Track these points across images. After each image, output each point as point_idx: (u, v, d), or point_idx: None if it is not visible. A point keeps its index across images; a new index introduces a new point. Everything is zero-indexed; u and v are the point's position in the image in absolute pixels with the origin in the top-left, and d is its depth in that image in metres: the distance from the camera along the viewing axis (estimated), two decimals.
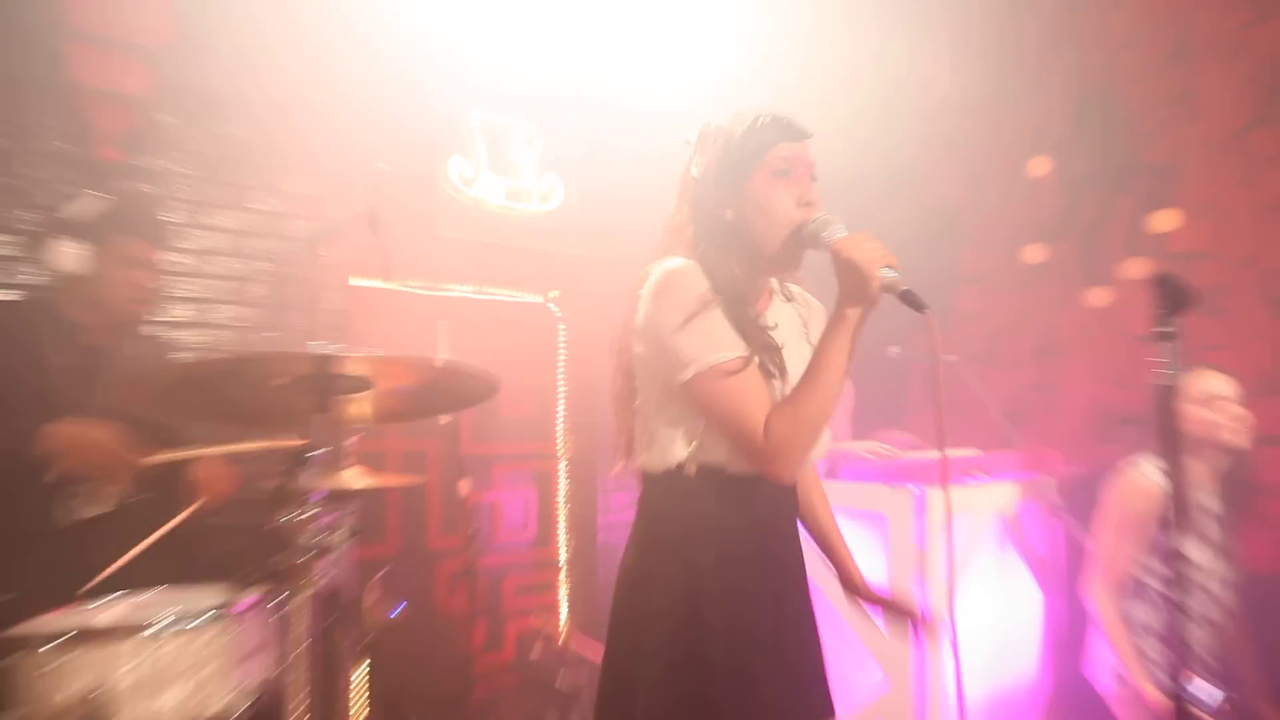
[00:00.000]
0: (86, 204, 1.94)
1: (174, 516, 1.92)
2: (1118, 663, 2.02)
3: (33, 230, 2.35)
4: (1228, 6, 3.06)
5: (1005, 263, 3.68)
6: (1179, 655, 1.28)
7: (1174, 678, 1.28)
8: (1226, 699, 1.97)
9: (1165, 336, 1.33)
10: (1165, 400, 1.33)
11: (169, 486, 1.97)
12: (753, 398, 1.20)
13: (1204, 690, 1.93)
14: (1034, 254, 3.56)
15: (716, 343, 1.20)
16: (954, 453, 2.55)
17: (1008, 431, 3.09)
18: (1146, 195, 3.26)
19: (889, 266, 1.16)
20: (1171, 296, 1.32)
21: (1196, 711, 1.93)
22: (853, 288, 1.17)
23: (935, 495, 2.27)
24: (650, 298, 1.24)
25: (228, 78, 2.71)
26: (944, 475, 1.35)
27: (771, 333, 1.32)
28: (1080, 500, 3.20)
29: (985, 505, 2.48)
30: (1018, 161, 3.59)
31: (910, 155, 3.88)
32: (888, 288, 1.17)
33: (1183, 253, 3.15)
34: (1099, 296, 3.35)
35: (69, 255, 1.88)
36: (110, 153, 2.49)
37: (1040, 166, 3.52)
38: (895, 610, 1.52)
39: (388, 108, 2.95)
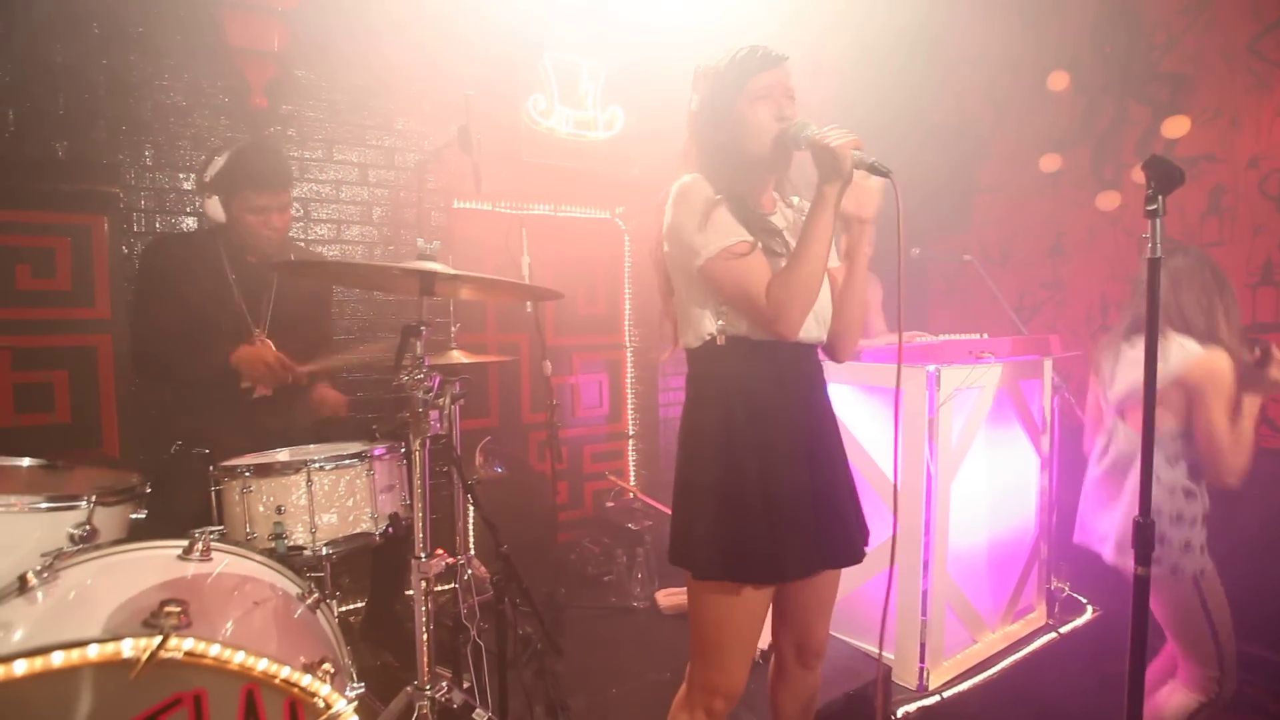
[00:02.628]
0: (216, 165, 2.00)
1: (306, 409, 2.14)
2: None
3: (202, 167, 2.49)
4: None
5: (1022, 172, 3.44)
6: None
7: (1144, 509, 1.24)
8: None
9: (1154, 214, 1.24)
10: (1152, 269, 1.25)
11: (305, 395, 2.17)
12: (755, 271, 1.23)
13: None
14: (1049, 163, 3.31)
15: (722, 232, 1.24)
16: (964, 337, 2.47)
17: (1016, 322, 2.97)
18: (1161, 103, 2.96)
19: (856, 148, 1.19)
20: (1162, 177, 1.22)
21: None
22: (828, 168, 1.20)
23: (946, 373, 2.22)
24: (670, 207, 1.29)
25: (348, 34, 2.72)
26: (898, 341, 1.26)
27: (777, 225, 1.34)
28: (1075, 379, 3.08)
29: (990, 381, 2.41)
30: (1038, 77, 3.28)
31: (937, 77, 3.59)
32: (857, 163, 1.19)
33: (1189, 156, 2.87)
34: (1108, 200, 3.11)
35: (213, 207, 2.02)
36: (261, 102, 2.56)
37: (1059, 81, 3.22)
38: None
39: (480, 56, 2.93)
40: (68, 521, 1.48)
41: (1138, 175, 3.01)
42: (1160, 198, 1.22)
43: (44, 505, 1.46)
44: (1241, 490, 1.98)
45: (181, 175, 2.53)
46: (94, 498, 1.50)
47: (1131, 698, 1.18)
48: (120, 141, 2.43)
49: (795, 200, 1.45)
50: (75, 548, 1.47)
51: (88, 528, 1.49)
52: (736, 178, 1.31)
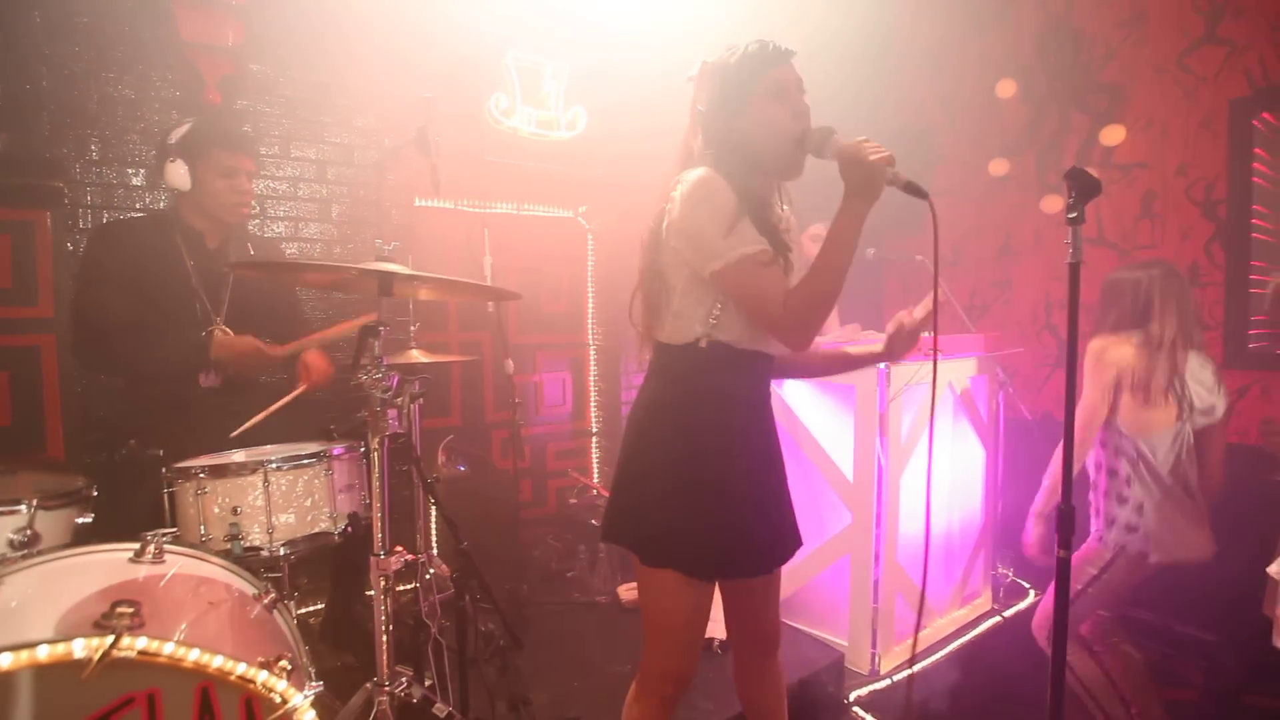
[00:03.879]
0: (180, 130, 1.97)
1: (283, 396, 2.08)
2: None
3: (152, 163, 2.44)
4: None
5: (974, 176, 3.57)
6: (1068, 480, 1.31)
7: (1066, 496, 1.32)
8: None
9: (1075, 221, 1.32)
10: (1073, 273, 1.33)
11: (288, 371, 2.13)
12: (774, 282, 1.21)
13: None
14: (998, 167, 3.44)
15: (746, 239, 1.21)
16: None
17: (965, 320, 3.09)
18: (1099, 112, 3.11)
19: (890, 164, 1.17)
20: (1081, 187, 1.30)
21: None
22: (860, 184, 1.17)
23: (895, 370, 2.30)
24: (687, 201, 1.23)
25: (306, 29, 2.69)
26: (934, 345, 1.35)
27: (785, 237, 1.33)
28: (1020, 375, 3.22)
29: (940, 378, 2.50)
30: (986, 85, 3.42)
31: (893, 82, 3.70)
32: (892, 181, 1.17)
33: (1125, 164, 3.03)
34: (1052, 203, 3.26)
35: (178, 173, 1.95)
36: (215, 97, 2.52)
37: (1007, 89, 3.35)
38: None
39: (441, 54, 2.91)
40: (7, 527, 1.43)
41: None
42: (1080, 206, 1.31)
43: None
44: None
45: (130, 170, 2.47)
46: (35, 501, 1.46)
47: (1055, 668, 1.26)
48: (64, 135, 2.36)
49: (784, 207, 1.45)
50: (17, 554, 1.44)
51: (29, 533, 1.45)
52: (750, 179, 1.27)
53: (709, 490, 1.29)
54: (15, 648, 0.88)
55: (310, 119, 2.78)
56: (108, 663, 0.92)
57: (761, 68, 1.26)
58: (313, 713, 1.07)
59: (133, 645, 0.93)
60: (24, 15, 2.28)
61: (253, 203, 2.18)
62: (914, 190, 1.17)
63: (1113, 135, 3.03)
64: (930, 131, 3.75)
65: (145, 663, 0.95)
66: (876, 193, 1.18)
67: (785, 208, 1.43)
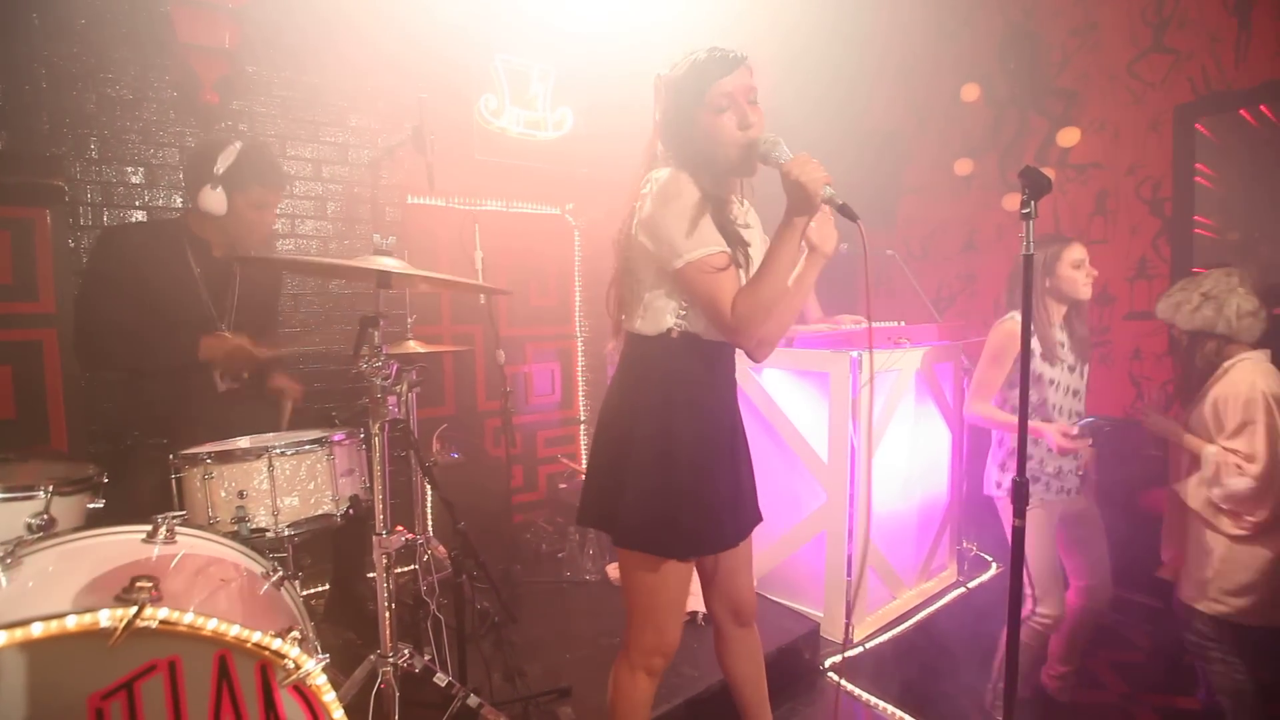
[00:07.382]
0: (230, 156, 1.95)
1: (266, 397, 2.13)
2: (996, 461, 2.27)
3: (151, 161, 2.42)
4: None
5: (940, 175, 3.64)
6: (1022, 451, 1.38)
7: (1020, 470, 1.38)
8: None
9: (1028, 216, 1.38)
10: (1027, 263, 1.39)
11: (265, 378, 2.15)
12: (726, 285, 1.24)
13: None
14: (963, 167, 3.52)
15: (704, 241, 1.24)
16: (883, 324, 2.62)
17: (932, 311, 3.16)
18: (1057, 115, 3.19)
19: (828, 185, 1.19)
20: (1034, 185, 1.36)
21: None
22: (799, 201, 1.20)
23: (867, 358, 2.36)
24: (654, 200, 1.25)
25: (300, 31, 2.68)
26: (869, 341, 1.38)
27: (743, 232, 1.36)
28: None
29: (908, 365, 2.57)
30: (952, 88, 3.49)
31: (862, 87, 3.76)
32: (827, 201, 1.20)
33: (1080, 164, 3.12)
34: (1013, 201, 3.34)
35: (215, 199, 1.95)
36: (211, 98, 2.50)
37: (970, 92, 3.43)
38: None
39: (433, 55, 2.92)
40: (25, 512, 1.45)
41: None
42: (1033, 203, 1.36)
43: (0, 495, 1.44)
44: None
45: (129, 169, 2.45)
46: (51, 487, 1.48)
47: (1010, 630, 1.33)
48: (64, 134, 2.34)
49: (745, 203, 1.47)
50: (33, 536, 1.45)
51: (45, 517, 1.46)
52: (708, 180, 1.30)
53: (681, 475, 1.31)
54: (45, 618, 0.90)
55: (305, 118, 2.78)
56: (131, 632, 0.94)
57: (708, 80, 1.25)
58: (324, 677, 1.10)
59: (154, 615, 0.96)
60: (22, 18, 2.26)
61: None
62: (846, 213, 1.19)
63: (1069, 137, 3.11)
64: (900, 133, 3.81)
65: (166, 632, 0.97)
66: (813, 210, 1.20)
67: (744, 202, 1.45)
